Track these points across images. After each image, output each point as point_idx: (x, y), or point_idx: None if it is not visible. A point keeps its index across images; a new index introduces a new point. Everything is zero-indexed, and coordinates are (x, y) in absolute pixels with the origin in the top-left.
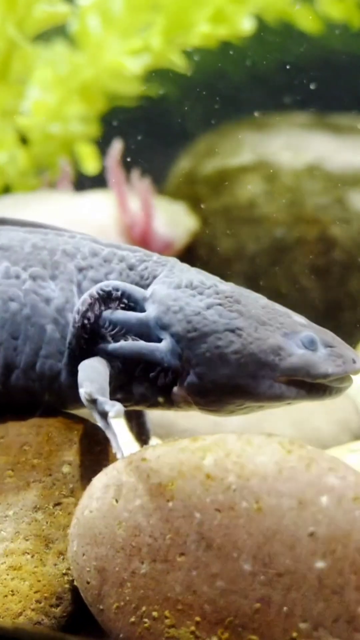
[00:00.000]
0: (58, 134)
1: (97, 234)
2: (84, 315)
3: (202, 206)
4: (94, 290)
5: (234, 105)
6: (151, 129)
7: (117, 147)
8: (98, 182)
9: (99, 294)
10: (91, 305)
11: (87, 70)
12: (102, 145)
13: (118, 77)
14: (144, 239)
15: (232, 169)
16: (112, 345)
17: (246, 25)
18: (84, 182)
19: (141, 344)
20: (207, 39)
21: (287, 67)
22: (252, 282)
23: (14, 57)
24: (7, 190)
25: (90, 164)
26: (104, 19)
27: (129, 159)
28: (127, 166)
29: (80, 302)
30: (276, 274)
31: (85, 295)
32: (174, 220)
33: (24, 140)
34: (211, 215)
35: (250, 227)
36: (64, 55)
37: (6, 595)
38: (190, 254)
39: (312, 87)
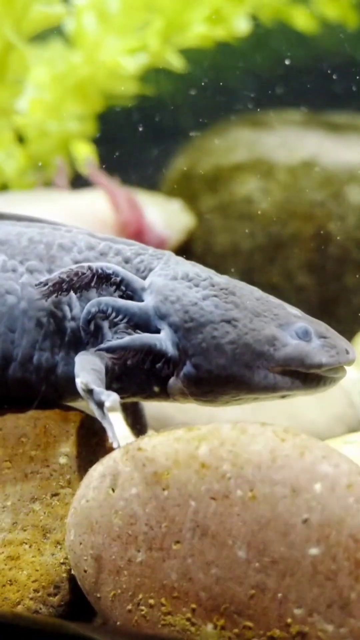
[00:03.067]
0: (55, 132)
1: (94, 231)
2: (77, 274)
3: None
4: (94, 265)
5: (230, 103)
6: (147, 127)
7: (91, 162)
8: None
9: (99, 270)
10: (86, 277)
11: (84, 69)
12: (99, 143)
13: (114, 76)
14: (138, 236)
15: (228, 166)
16: (116, 342)
17: (242, 26)
18: (80, 180)
19: (144, 336)
20: (204, 39)
21: (283, 66)
22: (248, 278)
23: (10, 56)
24: (4, 188)
25: (87, 162)
26: (100, 18)
27: (125, 158)
28: (124, 165)
29: (76, 266)
30: (272, 270)
31: (84, 265)
32: (171, 218)
33: (20, 138)
34: (207, 212)
35: (246, 224)
36: (61, 54)
37: (4, 585)
38: (186, 251)
39: (307, 85)
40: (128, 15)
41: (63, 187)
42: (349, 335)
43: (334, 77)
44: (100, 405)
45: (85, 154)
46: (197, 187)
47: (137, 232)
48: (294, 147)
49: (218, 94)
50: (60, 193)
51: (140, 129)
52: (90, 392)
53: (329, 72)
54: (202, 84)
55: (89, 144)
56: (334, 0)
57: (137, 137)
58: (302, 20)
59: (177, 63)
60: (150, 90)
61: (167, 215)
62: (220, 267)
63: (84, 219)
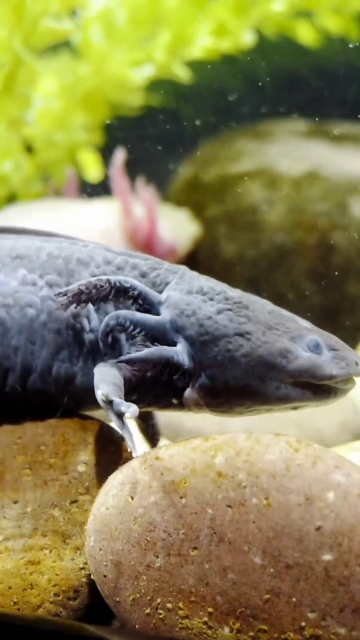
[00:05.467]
0: (62, 142)
1: (101, 239)
2: (95, 287)
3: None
4: (112, 278)
5: (235, 114)
6: (153, 138)
7: (120, 155)
8: (101, 189)
9: (117, 283)
10: (105, 290)
11: (91, 80)
12: (105, 153)
13: (121, 88)
14: (148, 244)
15: (233, 176)
16: (135, 355)
17: (247, 38)
18: (87, 190)
19: (161, 349)
20: (209, 51)
21: (287, 77)
22: (253, 287)
23: (20, 70)
24: (11, 197)
25: (93, 172)
26: (107, 30)
27: (132, 167)
28: (130, 174)
29: (95, 279)
30: (276, 279)
31: (103, 278)
32: (177, 227)
33: (29, 148)
34: (213, 221)
35: (251, 233)
36: (68, 66)
37: (25, 589)
38: (193, 260)
39: (310, 96)
40: (134, 28)
41: (73, 197)
42: (352, 343)
43: (337, 88)
44: (120, 415)
45: (91, 162)
46: (202, 197)
47: (148, 240)
48: (297, 158)
49: (223, 105)
50: (69, 202)
51: (147, 139)
52: (110, 403)
53: (332, 83)
54: (208, 95)
55: (95, 154)
56: (337, 14)
57: (143, 147)
58: (305, 33)
59: (182, 74)
60: (157, 101)
61: (174, 224)
62: (226, 276)
63: (90, 228)
